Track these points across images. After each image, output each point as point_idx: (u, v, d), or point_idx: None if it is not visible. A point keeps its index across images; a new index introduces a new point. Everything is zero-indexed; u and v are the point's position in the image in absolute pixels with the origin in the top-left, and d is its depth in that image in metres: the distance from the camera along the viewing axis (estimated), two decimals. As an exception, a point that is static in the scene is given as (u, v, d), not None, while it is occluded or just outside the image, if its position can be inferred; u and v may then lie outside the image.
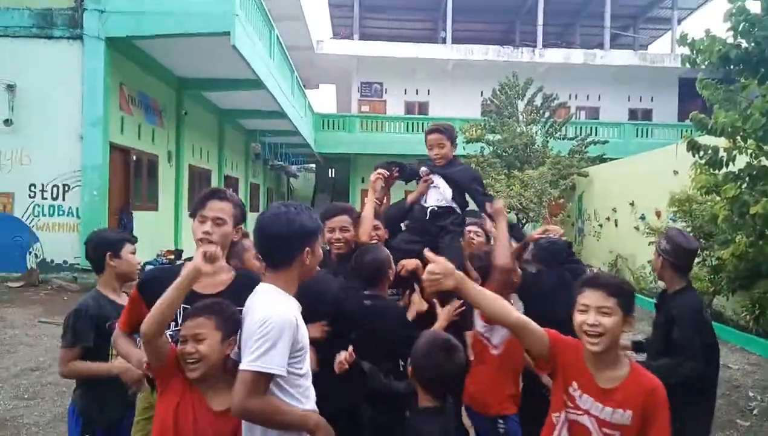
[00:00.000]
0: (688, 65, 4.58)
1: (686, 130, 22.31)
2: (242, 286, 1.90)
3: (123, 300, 2.54)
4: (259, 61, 11.14)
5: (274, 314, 1.64)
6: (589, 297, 1.77)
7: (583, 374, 1.80)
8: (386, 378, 2.32)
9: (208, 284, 1.93)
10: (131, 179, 10.50)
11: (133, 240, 2.69)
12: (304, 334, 1.75)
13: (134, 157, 10.63)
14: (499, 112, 17.07)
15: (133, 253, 2.64)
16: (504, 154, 16.70)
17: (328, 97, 33.31)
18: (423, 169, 3.29)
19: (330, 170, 29.47)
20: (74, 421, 2.45)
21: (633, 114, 25.96)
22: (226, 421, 1.73)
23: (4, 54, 8.90)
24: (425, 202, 3.24)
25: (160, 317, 1.68)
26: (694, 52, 4.44)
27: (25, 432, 3.89)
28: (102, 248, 2.55)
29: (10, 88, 8.78)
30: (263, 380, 1.61)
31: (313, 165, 29.16)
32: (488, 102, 17.89)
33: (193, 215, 2.04)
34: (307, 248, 1.78)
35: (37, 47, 8.97)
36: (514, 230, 3.17)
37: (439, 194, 3.20)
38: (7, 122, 8.75)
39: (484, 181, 13.78)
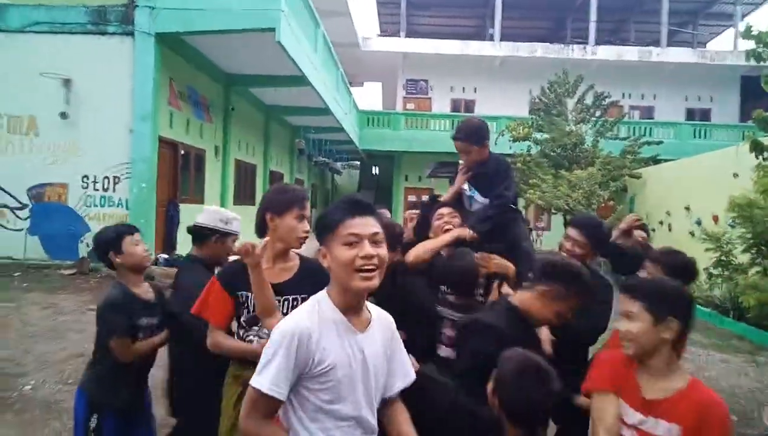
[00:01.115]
0: (753, 60, 4.25)
1: (749, 131, 21.12)
2: (305, 272, 2.10)
3: (144, 290, 2.56)
4: (304, 57, 11.18)
5: (282, 323, 1.48)
6: (621, 301, 1.74)
7: (629, 384, 1.71)
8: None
9: (274, 274, 2.08)
10: (179, 173, 10.74)
11: (133, 230, 2.59)
12: (330, 350, 1.46)
13: (182, 151, 10.86)
14: (548, 110, 16.60)
15: (137, 243, 2.54)
16: (552, 153, 16.24)
17: (374, 94, 33.34)
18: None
19: (374, 167, 29.47)
20: (81, 404, 2.43)
21: (690, 114, 24.82)
22: None
23: (62, 49, 9.23)
24: (471, 207, 3.06)
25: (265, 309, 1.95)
26: (760, 45, 4.11)
27: (66, 417, 3.96)
28: (103, 249, 2.52)
29: (66, 82, 9.10)
30: (261, 400, 1.43)
31: (358, 162, 29.22)
32: (536, 100, 17.43)
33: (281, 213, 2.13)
34: (323, 248, 1.55)
35: (91, 43, 9.27)
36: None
37: (479, 204, 3.04)
38: (63, 115, 9.08)
39: (530, 181, 13.33)
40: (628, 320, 1.67)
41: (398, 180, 23.99)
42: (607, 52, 23.52)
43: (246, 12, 9.00)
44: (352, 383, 1.47)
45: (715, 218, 10.43)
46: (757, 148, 4.17)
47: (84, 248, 9.23)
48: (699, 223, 11.18)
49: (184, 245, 9.92)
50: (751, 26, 4.16)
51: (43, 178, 9.27)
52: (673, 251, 2.67)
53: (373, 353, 1.53)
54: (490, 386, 1.77)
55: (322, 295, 1.55)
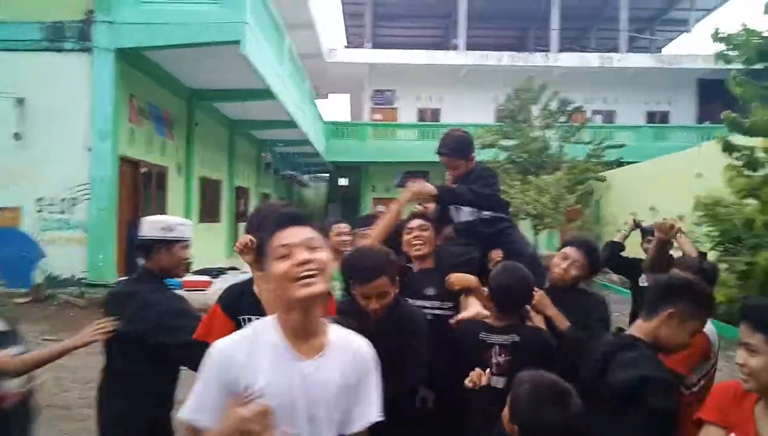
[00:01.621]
0: (721, 62, 4.28)
1: (706, 132, 21.84)
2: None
3: None
4: (270, 70, 11.01)
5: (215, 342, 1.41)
6: (741, 330, 1.53)
7: (744, 419, 1.55)
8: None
9: None
10: (141, 192, 10.39)
11: None
12: (260, 375, 1.33)
13: (144, 170, 10.52)
14: (514, 117, 16.80)
15: None
16: (518, 159, 16.41)
17: (341, 105, 33.25)
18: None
19: (341, 179, 29.35)
20: None
21: (650, 117, 25.50)
22: None
23: (15, 68, 8.84)
24: (459, 218, 2.97)
25: None
26: (730, 46, 4.15)
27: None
28: None
29: (20, 101, 8.72)
30: (189, 428, 1.35)
31: (326, 174, 29.04)
32: (502, 107, 17.63)
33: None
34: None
35: (47, 60, 8.90)
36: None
37: (465, 214, 2.95)
38: (16, 136, 8.68)
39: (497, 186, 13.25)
40: (747, 353, 1.50)
41: (366, 191, 23.89)
42: (570, 59, 24.00)
43: (209, 25, 8.80)
44: (290, 411, 1.33)
45: (681, 218, 10.62)
46: (728, 148, 4.19)
47: (39, 274, 8.81)
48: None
49: (149, 266, 9.56)
50: (718, 29, 4.19)
51: (-4, 203, 8.84)
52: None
53: (322, 382, 1.37)
54: (505, 413, 1.64)
55: (268, 318, 1.45)
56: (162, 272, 2.47)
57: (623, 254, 4.45)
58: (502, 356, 2.19)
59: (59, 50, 8.94)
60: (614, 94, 25.32)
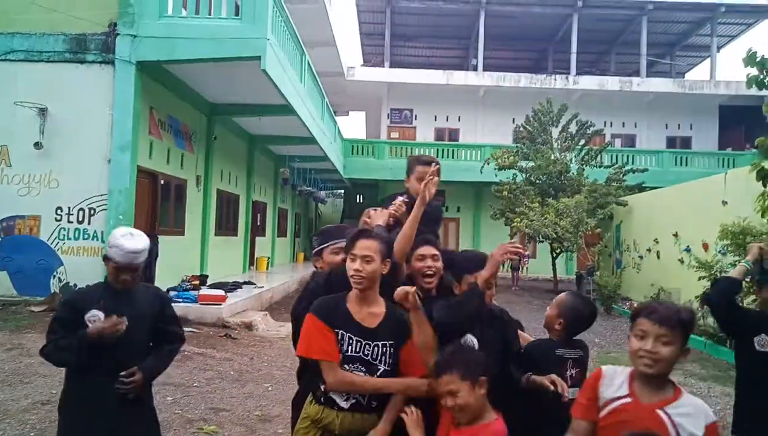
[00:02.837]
0: (754, 87, 4.11)
1: (728, 159, 21.51)
2: (392, 319, 2.20)
3: None
4: (290, 86, 11.04)
5: None
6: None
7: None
8: None
9: (367, 317, 2.19)
10: (158, 204, 10.40)
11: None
12: None
13: (162, 182, 10.54)
14: (532, 138, 16.67)
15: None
16: (537, 181, 16.23)
17: (358, 123, 33.41)
18: (401, 198, 2.88)
19: (358, 196, 29.34)
20: None
21: (671, 142, 25.21)
22: None
23: (38, 78, 8.95)
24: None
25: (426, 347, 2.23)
26: (764, 71, 3.99)
27: None
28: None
29: (42, 112, 8.80)
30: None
31: (342, 191, 29.05)
32: (521, 128, 17.52)
33: (345, 253, 2.26)
34: None
35: (69, 72, 8.99)
36: None
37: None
38: (37, 145, 8.75)
39: (516, 209, 13.45)
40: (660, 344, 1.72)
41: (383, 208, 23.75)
42: (589, 82, 23.88)
43: (231, 40, 8.84)
44: None
45: (705, 246, 10.35)
46: (764, 176, 4.00)
47: (56, 282, 8.80)
48: (688, 250, 11.10)
49: (163, 278, 9.54)
50: (754, 52, 4.02)
51: (14, 211, 8.86)
52: None
53: None
54: None
55: None
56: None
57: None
58: (575, 369, 2.47)
59: (82, 62, 9.02)
60: (634, 118, 25.13)
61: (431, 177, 2.66)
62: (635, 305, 1.91)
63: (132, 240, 2.49)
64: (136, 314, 2.52)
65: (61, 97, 8.92)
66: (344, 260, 2.34)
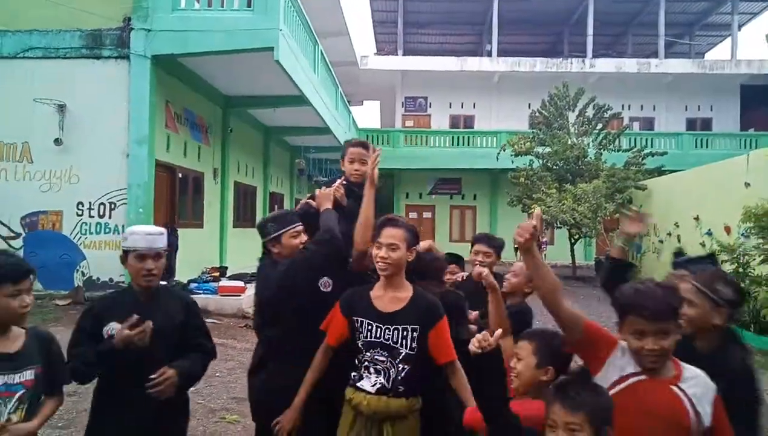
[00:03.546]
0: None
1: (750, 140, 21.06)
2: (419, 303, 2.25)
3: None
4: (303, 76, 11.04)
5: None
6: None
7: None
8: None
9: (389, 303, 2.26)
10: (177, 197, 10.51)
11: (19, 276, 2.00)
12: None
13: (180, 175, 10.64)
14: (549, 124, 16.47)
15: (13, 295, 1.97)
16: (554, 167, 16.06)
17: (373, 112, 33.33)
18: (339, 181, 2.99)
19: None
20: None
21: (691, 124, 24.72)
22: None
23: (56, 75, 9.06)
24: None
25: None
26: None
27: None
28: None
29: (61, 108, 8.92)
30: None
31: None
32: (537, 114, 17.31)
33: (372, 241, 2.35)
34: None
35: (86, 67, 9.09)
36: None
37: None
38: (57, 142, 8.88)
39: (534, 195, 13.30)
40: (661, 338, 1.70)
41: (399, 197, 23.78)
42: (606, 65, 23.47)
43: (244, 32, 8.86)
44: None
45: (728, 229, 10.18)
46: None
47: (79, 276, 8.96)
48: (710, 233, 10.92)
49: (183, 270, 9.66)
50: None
51: (37, 206, 9.04)
52: None
53: None
54: None
55: None
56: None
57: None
58: None
59: (98, 57, 9.12)
60: (652, 100, 24.66)
61: (375, 161, 2.73)
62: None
63: (147, 226, 2.46)
64: (162, 324, 2.32)
65: (79, 93, 9.03)
66: (303, 244, 2.59)
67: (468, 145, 21.75)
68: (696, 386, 1.69)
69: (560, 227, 15.39)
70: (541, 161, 16.40)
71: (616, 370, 1.74)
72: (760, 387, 2.01)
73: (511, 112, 24.09)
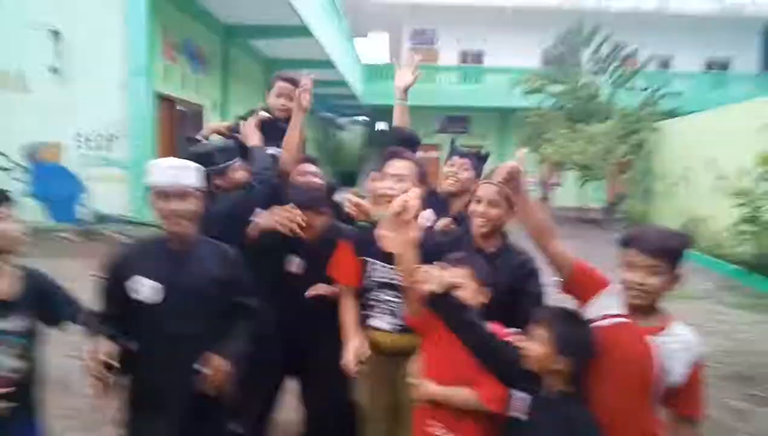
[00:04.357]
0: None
1: (770, 82, 20.37)
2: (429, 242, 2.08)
3: None
4: (307, 5, 10.53)
5: None
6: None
7: None
8: None
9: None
10: (177, 130, 10.27)
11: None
12: None
13: (179, 108, 10.35)
14: (562, 61, 15.87)
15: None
16: (566, 106, 15.61)
17: (378, 45, 32.26)
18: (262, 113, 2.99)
19: (380, 123, 28.79)
20: None
21: (709, 65, 23.87)
22: None
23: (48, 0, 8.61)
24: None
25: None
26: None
27: (77, 390, 3.65)
28: None
29: (55, 34, 8.53)
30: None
31: (363, 118, 28.48)
32: (550, 51, 16.67)
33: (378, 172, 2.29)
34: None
35: (80, -8, 8.64)
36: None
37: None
38: (53, 70, 8.56)
39: (544, 135, 12.98)
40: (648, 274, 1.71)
41: (405, 136, 23.29)
42: (623, 2, 22.42)
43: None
44: None
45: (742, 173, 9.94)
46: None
47: (82, 209, 8.87)
48: (723, 178, 10.68)
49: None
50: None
51: (37, 137, 8.80)
52: None
53: None
54: None
55: None
56: None
57: None
58: None
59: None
60: (670, 40, 23.64)
61: (305, 89, 2.72)
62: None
63: (171, 159, 2.02)
64: (195, 281, 1.95)
65: (73, 18, 8.63)
66: (246, 178, 2.55)
67: (478, 82, 21.08)
68: (675, 342, 1.67)
69: (570, 169, 15.14)
70: (553, 100, 15.95)
71: (601, 309, 1.77)
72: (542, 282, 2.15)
73: (523, 48, 23.19)
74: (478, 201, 2.18)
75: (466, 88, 20.96)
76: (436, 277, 1.77)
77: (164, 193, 1.90)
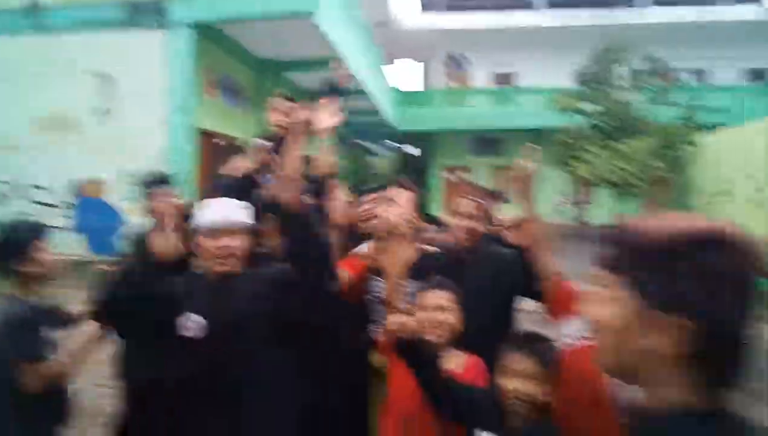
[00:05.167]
0: None
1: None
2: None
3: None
4: (341, 39, 10.86)
5: None
6: None
7: None
8: None
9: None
10: (218, 164, 10.62)
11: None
12: None
13: (220, 142, 10.75)
14: (597, 80, 15.72)
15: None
16: (601, 124, 15.39)
17: (412, 73, 32.59)
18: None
19: (412, 148, 28.93)
20: None
21: (750, 76, 23.12)
22: None
23: (99, 46, 9.20)
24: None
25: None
26: None
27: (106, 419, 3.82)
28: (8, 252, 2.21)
29: (103, 78, 9.08)
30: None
31: (396, 145, 28.72)
32: (584, 70, 16.55)
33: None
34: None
35: (127, 37, 9.19)
36: None
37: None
38: (102, 111, 9.08)
39: (577, 154, 12.66)
40: None
41: (437, 160, 23.39)
42: (658, 14, 22.10)
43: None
44: None
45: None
46: None
47: (124, 244, 9.25)
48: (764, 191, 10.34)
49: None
50: None
51: (84, 175, 9.32)
52: None
53: None
54: None
55: None
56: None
57: None
58: None
59: (138, 26, 9.19)
60: (709, 51, 23.08)
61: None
62: None
63: (217, 199, 2.01)
64: (240, 312, 1.86)
65: (121, 63, 9.16)
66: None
67: (511, 104, 21.05)
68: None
69: (605, 187, 14.88)
70: (587, 118, 15.77)
71: (572, 330, 1.81)
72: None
73: (556, 68, 23.09)
74: (461, 216, 2.30)
75: (498, 109, 20.95)
76: (401, 323, 1.70)
77: (214, 232, 1.85)
